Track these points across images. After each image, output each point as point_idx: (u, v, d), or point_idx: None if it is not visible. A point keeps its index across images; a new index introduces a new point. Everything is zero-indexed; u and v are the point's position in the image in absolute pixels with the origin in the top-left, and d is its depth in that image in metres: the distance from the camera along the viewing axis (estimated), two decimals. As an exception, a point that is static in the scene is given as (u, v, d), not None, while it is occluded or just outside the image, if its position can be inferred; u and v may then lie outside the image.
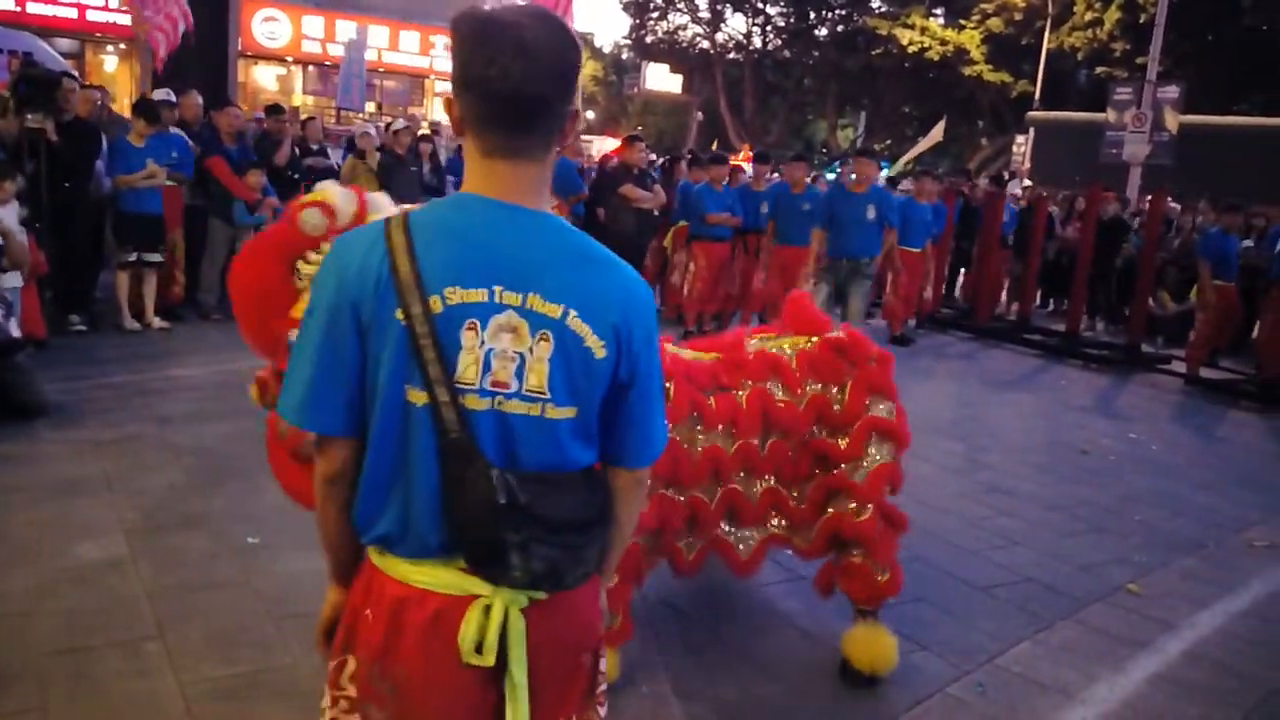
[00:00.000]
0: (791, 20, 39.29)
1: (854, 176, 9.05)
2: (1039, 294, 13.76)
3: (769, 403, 3.32)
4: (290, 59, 22.40)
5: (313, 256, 2.36)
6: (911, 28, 33.79)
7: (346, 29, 20.42)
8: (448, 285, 1.39)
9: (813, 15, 38.73)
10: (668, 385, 3.09)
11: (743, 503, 3.32)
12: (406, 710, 1.47)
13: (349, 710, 1.53)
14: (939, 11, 36.73)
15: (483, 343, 1.40)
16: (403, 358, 1.39)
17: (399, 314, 1.37)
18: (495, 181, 1.45)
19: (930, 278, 11.51)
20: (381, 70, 23.00)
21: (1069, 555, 4.81)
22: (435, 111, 23.53)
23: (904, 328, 10.65)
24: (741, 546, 3.37)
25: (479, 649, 1.43)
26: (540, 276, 1.42)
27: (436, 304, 1.38)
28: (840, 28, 38.09)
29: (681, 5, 41.14)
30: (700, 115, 41.74)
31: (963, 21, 34.00)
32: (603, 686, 1.68)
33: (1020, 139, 28.21)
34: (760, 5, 39.74)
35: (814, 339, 3.49)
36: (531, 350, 1.42)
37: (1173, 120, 17.20)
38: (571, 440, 1.47)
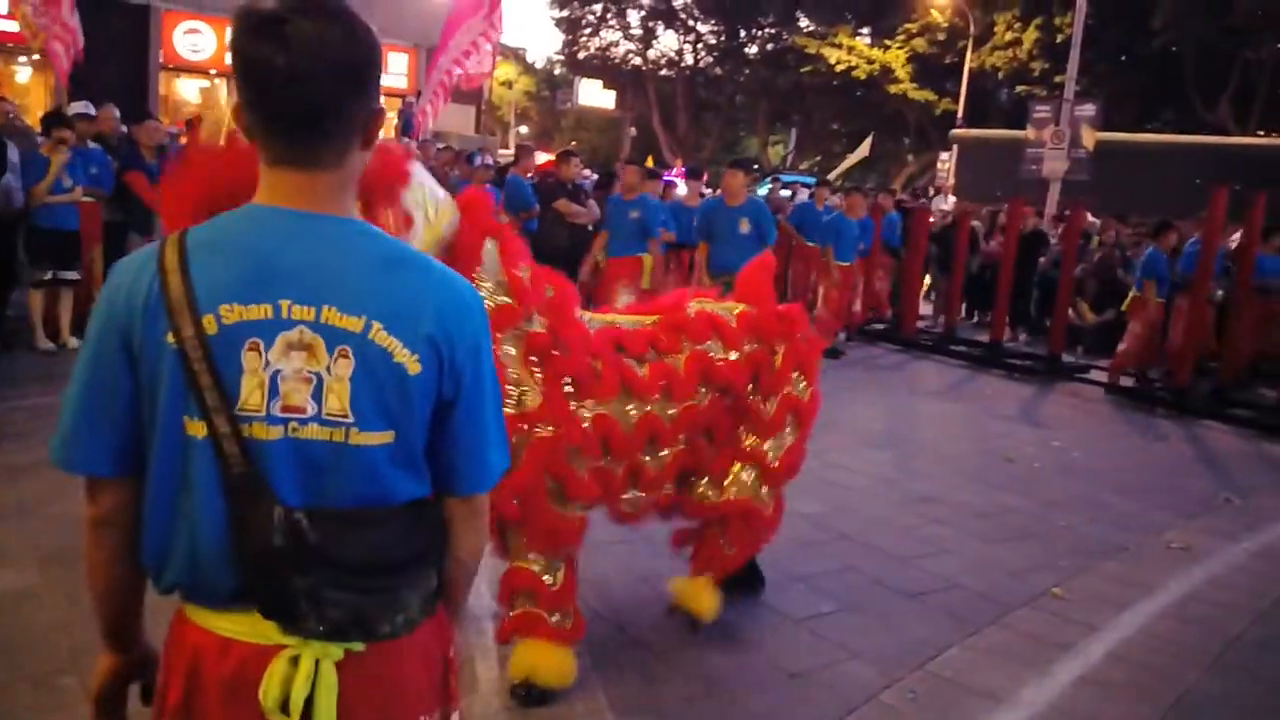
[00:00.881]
0: (722, 38, 39.72)
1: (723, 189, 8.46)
2: (964, 306, 14.03)
3: (707, 364, 3.43)
4: (214, 71, 22.01)
5: None
6: (839, 47, 34.37)
7: (273, 42, 20.13)
8: (224, 302, 1.25)
9: (743, 33, 39.21)
10: (596, 365, 3.14)
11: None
12: None
13: None
14: (865, 31, 37.40)
15: (267, 364, 1.26)
16: (178, 386, 1.25)
17: (170, 337, 1.24)
18: (284, 191, 1.31)
19: (859, 291, 11.69)
20: (309, 84, 22.72)
21: (996, 561, 4.90)
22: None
23: (835, 340, 10.79)
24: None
25: (285, 708, 1.27)
26: (337, 287, 1.28)
27: (211, 324, 1.24)
28: (770, 46, 38.60)
29: (613, 22, 41.33)
30: (634, 131, 41.93)
31: (888, 41, 34.68)
32: None
33: (944, 155, 28.81)
34: (691, 23, 40.12)
35: (754, 307, 3.68)
36: (329, 369, 1.27)
37: (1090, 137, 17.68)
38: (391, 469, 1.32)
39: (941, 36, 33.40)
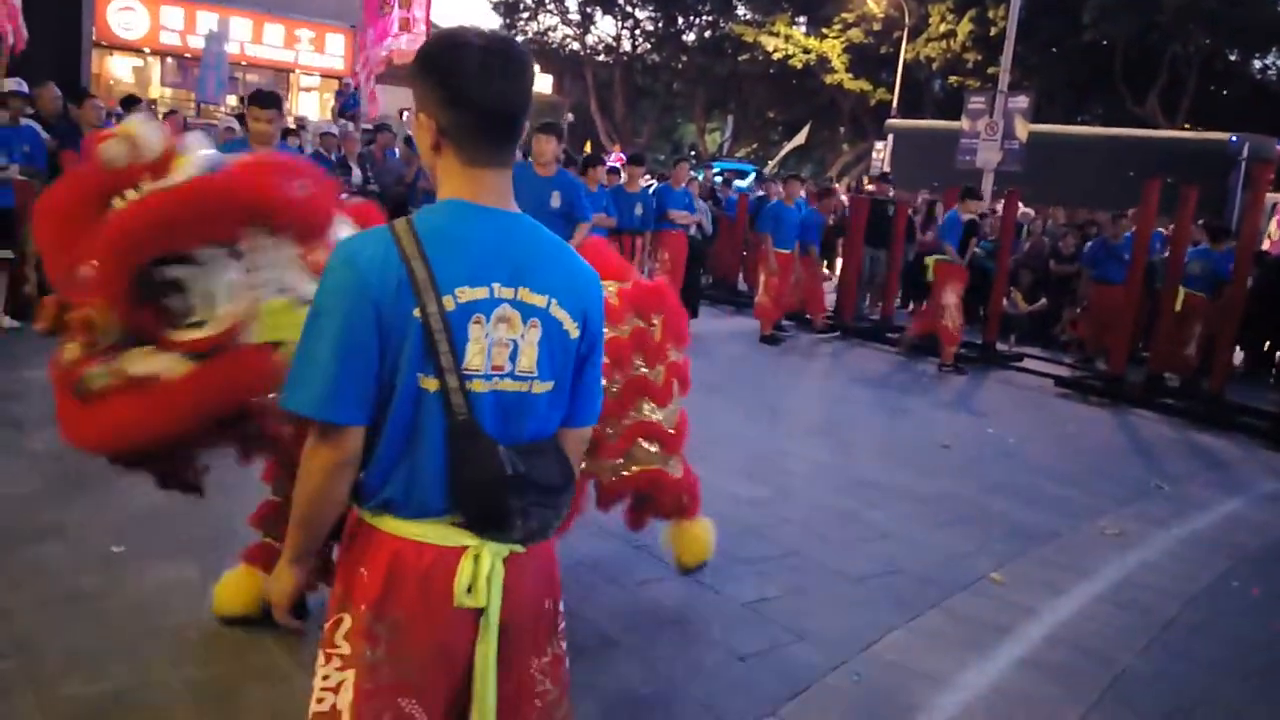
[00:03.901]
0: (660, 25, 39.63)
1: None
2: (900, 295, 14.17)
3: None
4: (148, 50, 21.42)
5: (129, 193, 2.48)
6: (776, 35, 34.53)
7: (208, 20, 19.58)
8: (459, 285, 1.60)
9: (680, 20, 39.17)
10: None
11: None
12: (402, 646, 1.65)
13: (341, 668, 1.67)
14: (802, 20, 37.62)
15: (487, 333, 1.63)
16: (418, 350, 1.58)
17: (416, 312, 1.57)
18: (480, 188, 1.67)
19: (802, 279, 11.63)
20: (244, 64, 22.20)
21: (936, 546, 4.98)
22: (300, 105, 22.84)
23: (773, 328, 10.87)
24: None
25: (469, 592, 1.65)
26: (527, 271, 1.66)
27: (449, 302, 1.59)
28: (707, 34, 38.62)
29: (551, 6, 40.99)
30: (571, 116, 41.70)
31: (825, 31, 34.92)
32: (562, 626, 1.88)
33: (879, 145, 29.09)
34: (629, 9, 39.94)
35: (627, 282, 3.73)
36: (523, 336, 1.66)
37: (1022, 129, 18.01)
38: (550, 410, 1.74)
39: (877, 27, 33.73)
